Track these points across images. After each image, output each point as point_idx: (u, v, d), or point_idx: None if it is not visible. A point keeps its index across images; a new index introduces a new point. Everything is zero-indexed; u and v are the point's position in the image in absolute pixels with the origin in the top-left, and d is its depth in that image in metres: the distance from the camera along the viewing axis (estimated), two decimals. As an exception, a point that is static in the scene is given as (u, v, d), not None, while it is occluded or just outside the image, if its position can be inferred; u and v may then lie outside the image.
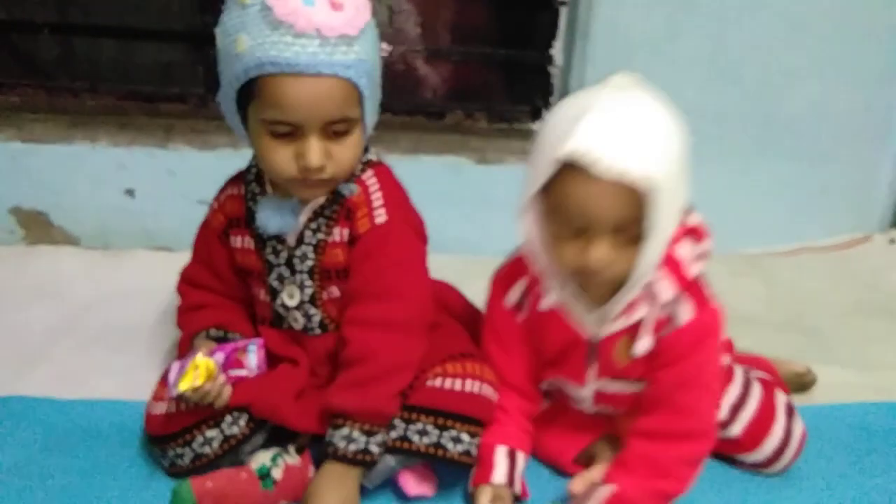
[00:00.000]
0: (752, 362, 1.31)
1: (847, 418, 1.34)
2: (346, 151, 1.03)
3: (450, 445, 1.09)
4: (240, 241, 1.17)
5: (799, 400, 1.32)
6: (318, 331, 1.17)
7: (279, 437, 1.17)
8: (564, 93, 1.85)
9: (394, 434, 1.09)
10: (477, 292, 1.38)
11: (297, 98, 0.97)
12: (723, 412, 1.16)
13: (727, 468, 1.21)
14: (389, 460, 1.11)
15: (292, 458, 1.12)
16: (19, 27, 1.84)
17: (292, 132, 1.00)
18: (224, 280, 1.21)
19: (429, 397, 1.11)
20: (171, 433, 1.14)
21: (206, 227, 1.21)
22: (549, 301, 1.08)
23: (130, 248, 1.80)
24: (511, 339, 1.15)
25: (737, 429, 1.16)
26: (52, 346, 1.47)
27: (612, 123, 0.91)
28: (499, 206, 1.82)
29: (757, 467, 1.19)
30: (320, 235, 1.11)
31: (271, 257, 1.15)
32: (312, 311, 1.16)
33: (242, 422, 1.13)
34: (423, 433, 1.09)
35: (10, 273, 1.69)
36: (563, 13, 1.82)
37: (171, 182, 1.77)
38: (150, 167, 1.76)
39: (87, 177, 1.76)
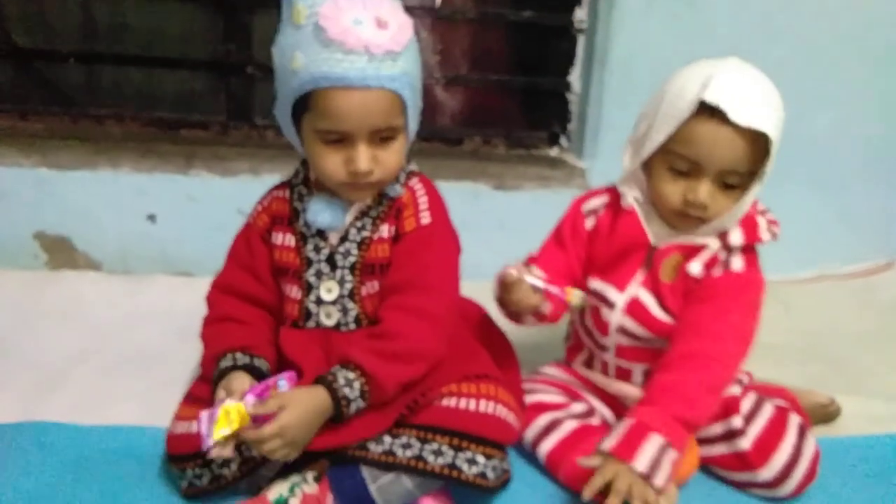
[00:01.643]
0: (773, 392, 1.30)
1: (873, 450, 1.32)
2: (391, 156, 1.12)
3: (465, 467, 1.09)
4: (281, 238, 1.21)
5: (823, 431, 1.31)
6: (352, 325, 1.20)
7: (299, 459, 1.17)
8: (582, 119, 1.86)
9: (409, 453, 1.10)
10: (495, 317, 1.38)
11: (347, 109, 1.06)
12: (735, 422, 1.18)
13: (738, 495, 1.20)
14: (407, 483, 1.11)
15: (310, 487, 1.12)
16: (45, 56, 1.88)
17: (342, 140, 1.09)
18: (262, 281, 1.23)
19: (444, 417, 1.12)
20: (191, 453, 1.15)
21: (248, 229, 1.25)
22: (630, 200, 1.20)
23: (151, 273, 1.82)
24: (571, 239, 1.26)
25: (746, 442, 1.17)
26: (73, 371, 1.48)
27: (744, 80, 1.09)
28: (517, 231, 1.83)
29: (766, 487, 1.18)
30: (365, 233, 1.18)
31: (312, 254, 1.19)
32: (350, 305, 1.19)
33: None
34: (438, 453, 1.09)
35: (33, 297, 1.71)
36: (581, 40, 1.83)
37: (192, 208, 1.79)
38: (171, 193, 1.78)
39: (110, 202, 1.78)
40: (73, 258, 1.82)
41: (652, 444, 1.05)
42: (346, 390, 1.09)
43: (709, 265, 1.17)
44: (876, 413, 1.40)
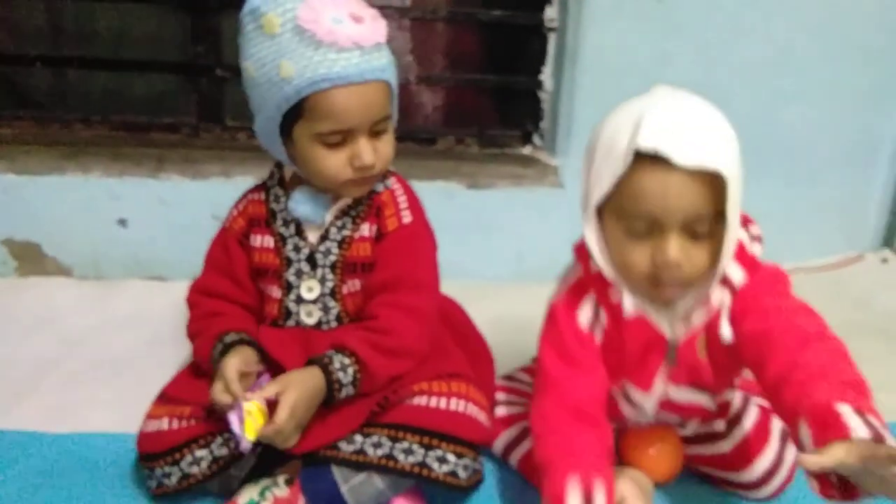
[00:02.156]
0: (751, 387, 1.30)
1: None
2: (386, 146, 1.14)
3: (435, 465, 1.10)
4: (259, 241, 1.21)
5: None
6: (334, 324, 1.21)
7: (269, 460, 1.17)
8: (554, 118, 1.87)
9: (380, 452, 1.10)
10: (472, 316, 1.38)
11: (350, 106, 1.08)
12: (719, 426, 1.17)
13: (715, 492, 1.21)
14: (378, 483, 1.11)
15: (281, 491, 1.12)
16: (12, 60, 1.86)
17: (344, 139, 1.10)
18: (241, 284, 1.23)
19: (414, 416, 1.12)
20: (161, 451, 1.15)
21: (224, 233, 1.24)
22: (629, 307, 1.04)
23: (123, 277, 1.80)
24: (588, 362, 1.09)
25: (727, 445, 1.16)
26: (43, 379, 1.46)
27: (680, 114, 0.94)
28: (491, 230, 1.84)
29: (746, 488, 1.18)
30: (346, 232, 1.18)
31: (292, 254, 1.19)
32: (332, 303, 1.20)
33: (233, 444, 1.14)
34: (408, 452, 1.10)
35: (2, 305, 1.69)
36: (552, 39, 1.83)
37: (164, 211, 1.77)
38: (142, 197, 1.76)
39: (80, 207, 1.76)
40: (43, 264, 1.80)
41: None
42: (341, 374, 1.10)
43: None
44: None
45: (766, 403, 1.23)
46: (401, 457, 1.10)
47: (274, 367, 1.17)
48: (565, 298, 1.11)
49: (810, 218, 1.91)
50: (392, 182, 1.21)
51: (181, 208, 1.76)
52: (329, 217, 1.18)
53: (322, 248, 1.18)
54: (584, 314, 1.10)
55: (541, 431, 1.09)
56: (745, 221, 1.06)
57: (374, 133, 1.12)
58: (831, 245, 1.94)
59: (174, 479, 1.14)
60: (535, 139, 1.94)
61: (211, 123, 1.89)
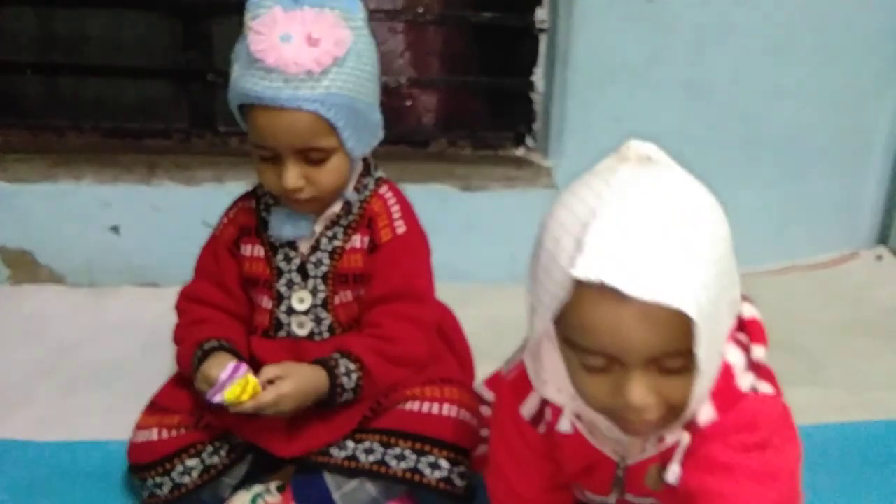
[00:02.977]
0: None
1: (836, 438, 1.33)
2: (325, 176, 1.09)
3: (427, 471, 1.09)
4: (249, 250, 1.20)
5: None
6: (326, 335, 1.19)
7: (261, 468, 1.17)
8: (547, 118, 1.86)
9: (372, 458, 1.10)
10: (464, 319, 1.38)
11: (266, 128, 1.05)
12: None
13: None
14: (371, 489, 1.11)
15: (273, 497, 1.12)
16: (2, 68, 1.85)
17: (275, 156, 1.07)
18: (231, 293, 1.22)
19: (406, 421, 1.12)
20: (152, 462, 1.14)
21: (214, 241, 1.23)
22: (565, 425, 0.91)
23: (116, 284, 1.79)
24: (528, 456, 0.98)
25: None
26: (36, 386, 1.46)
27: (636, 230, 0.72)
28: (484, 232, 1.84)
29: None
30: (337, 242, 1.16)
31: (282, 264, 1.18)
32: (324, 315, 1.18)
33: (224, 452, 1.15)
34: (400, 458, 1.09)
35: (-5, 313, 1.68)
36: (544, 40, 1.83)
37: (157, 218, 1.77)
38: (134, 203, 1.76)
39: (72, 215, 1.76)
40: (36, 272, 1.79)
41: None
42: (345, 379, 1.09)
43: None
44: (840, 402, 1.42)
45: None
46: (393, 463, 1.09)
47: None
48: (513, 380, 0.96)
49: (804, 216, 1.91)
50: (384, 190, 1.19)
51: (174, 215, 1.76)
52: (319, 227, 1.17)
53: (313, 258, 1.17)
54: (529, 406, 0.96)
55: None
56: (752, 334, 0.86)
57: (309, 159, 1.07)
58: (826, 243, 1.94)
59: (166, 489, 1.14)
60: (528, 141, 1.94)
61: (203, 129, 1.88)
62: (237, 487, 1.15)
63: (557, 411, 0.92)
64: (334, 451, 1.11)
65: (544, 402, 0.93)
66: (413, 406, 1.13)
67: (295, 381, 1.06)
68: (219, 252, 1.22)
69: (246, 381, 1.04)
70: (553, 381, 0.88)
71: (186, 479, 1.13)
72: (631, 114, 1.74)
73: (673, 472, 0.85)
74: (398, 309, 1.15)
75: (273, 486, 1.13)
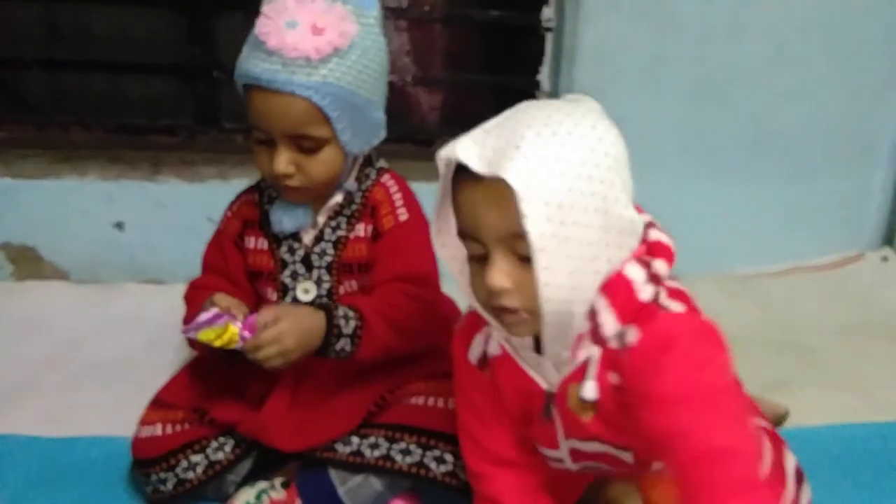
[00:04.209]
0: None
1: (842, 439, 1.32)
2: (316, 166, 1.09)
3: (433, 465, 1.09)
4: (253, 242, 1.21)
5: (793, 422, 1.31)
6: None
7: (266, 464, 1.17)
8: (553, 118, 1.86)
9: (377, 453, 1.10)
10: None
11: (261, 109, 1.07)
12: None
13: None
14: (376, 484, 1.11)
15: (278, 493, 1.11)
16: (7, 63, 1.85)
17: (269, 140, 1.08)
18: (238, 285, 1.22)
19: (412, 415, 1.11)
20: (156, 457, 1.14)
21: (219, 235, 1.24)
22: (493, 346, 0.94)
23: (120, 281, 1.79)
24: (484, 404, 0.99)
25: None
26: (40, 382, 1.46)
27: (506, 124, 0.82)
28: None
29: None
30: (340, 232, 1.17)
31: (286, 256, 1.18)
32: (322, 302, 1.18)
33: (228, 448, 1.15)
34: (406, 452, 1.09)
35: (-1, 308, 1.68)
36: (550, 39, 1.83)
37: (161, 214, 1.77)
38: (139, 200, 1.76)
39: (77, 211, 1.76)
40: (40, 268, 1.79)
41: None
42: (342, 321, 1.09)
43: (611, 365, 0.87)
44: (846, 403, 1.41)
45: (768, 425, 1.07)
46: (398, 457, 1.09)
47: (272, 373, 1.16)
48: (462, 328, 1.00)
49: (810, 216, 1.90)
50: (386, 178, 1.20)
51: (178, 211, 1.76)
52: (322, 218, 1.17)
53: (317, 249, 1.17)
54: (475, 350, 0.98)
55: (469, 481, 1.04)
56: (656, 252, 0.88)
57: (301, 147, 1.08)
58: (831, 244, 1.93)
59: (170, 485, 1.14)
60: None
61: (208, 126, 1.88)
62: (241, 483, 1.15)
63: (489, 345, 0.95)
64: (339, 447, 1.11)
65: (486, 342, 0.96)
66: (418, 400, 1.13)
67: (292, 319, 1.06)
68: (224, 245, 1.22)
69: (224, 329, 1.03)
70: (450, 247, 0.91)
71: (191, 475, 1.13)
72: (637, 113, 1.72)
73: (589, 388, 0.87)
74: (402, 287, 1.15)
75: (278, 482, 1.13)
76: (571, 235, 0.80)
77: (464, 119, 1.94)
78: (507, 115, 0.84)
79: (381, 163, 1.22)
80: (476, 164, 0.80)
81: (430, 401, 1.13)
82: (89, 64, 1.86)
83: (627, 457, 0.96)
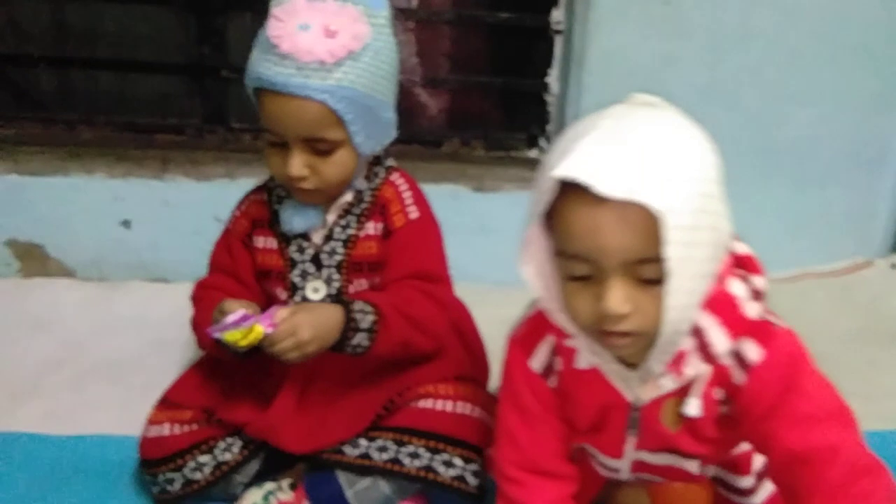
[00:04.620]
0: None
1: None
2: (330, 168, 1.09)
3: (441, 469, 1.09)
4: (262, 242, 1.20)
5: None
6: None
7: (274, 465, 1.16)
8: (561, 120, 1.85)
9: (385, 456, 1.09)
10: (476, 319, 1.37)
11: (275, 113, 1.06)
12: (748, 482, 1.06)
13: None
14: (384, 488, 1.11)
15: (285, 495, 1.11)
16: (16, 60, 1.85)
17: (283, 142, 1.08)
18: (246, 285, 1.22)
19: (420, 419, 1.11)
20: (163, 457, 1.14)
21: (227, 235, 1.23)
22: (585, 359, 0.92)
23: (126, 279, 1.79)
24: (540, 413, 0.98)
25: (758, 499, 1.07)
26: (45, 380, 1.46)
27: (619, 138, 0.78)
28: (496, 233, 1.83)
29: None
30: (350, 231, 1.16)
31: (296, 255, 1.17)
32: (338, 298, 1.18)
33: (236, 448, 1.15)
34: (414, 456, 1.09)
35: (5, 306, 1.68)
36: (559, 41, 1.82)
37: (168, 213, 1.76)
38: (146, 198, 1.76)
39: (84, 209, 1.76)
40: (47, 266, 1.79)
41: None
42: (359, 316, 1.08)
43: (721, 382, 0.89)
44: (854, 411, 1.40)
45: None
46: (406, 461, 1.09)
47: (280, 374, 1.16)
48: (522, 336, 0.99)
49: (818, 222, 1.89)
50: (396, 177, 1.19)
51: (185, 210, 1.76)
52: (331, 217, 1.17)
53: (327, 247, 1.17)
54: (539, 359, 0.98)
55: (499, 483, 1.02)
56: (748, 267, 0.90)
57: (315, 150, 1.08)
58: (840, 250, 1.93)
59: (177, 485, 1.14)
60: (542, 142, 1.93)
61: (215, 125, 1.88)
62: (249, 485, 1.15)
63: (569, 357, 0.93)
64: (347, 449, 1.11)
65: (554, 353, 0.96)
66: (427, 404, 1.12)
67: (308, 311, 1.06)
68: (232, 245, 1.22)
69: (250, 330, 1.03)
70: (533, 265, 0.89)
71: (198, 476, 1.13)
72: (646, 117, 1.73)
73: (693, 406, 0.88)
74: (415, 284, 1.15)
75: (285, 483, 1.13)
76: (694, 256, 0.78)
77: (471, 121, 1.96)
78: (609, 126, 0.80)
79: (390, 161, 1.21)
80: (605, 187, 0.75)
81: (439, 404, 1.12)
82: (97, 62, 1.86)
83: (693, 466, 0.97)
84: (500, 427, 1.01)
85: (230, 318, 1.04)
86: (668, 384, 0.89)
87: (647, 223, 0.76)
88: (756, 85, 1.76)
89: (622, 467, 1.00)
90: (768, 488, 1.06)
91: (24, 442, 1.29)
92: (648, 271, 0.79)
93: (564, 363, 0.95)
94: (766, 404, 0.87)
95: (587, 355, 0.91)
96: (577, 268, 0.82)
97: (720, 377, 0.88)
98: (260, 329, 1.03)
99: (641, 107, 0.83)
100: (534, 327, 0.98)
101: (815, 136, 1.82)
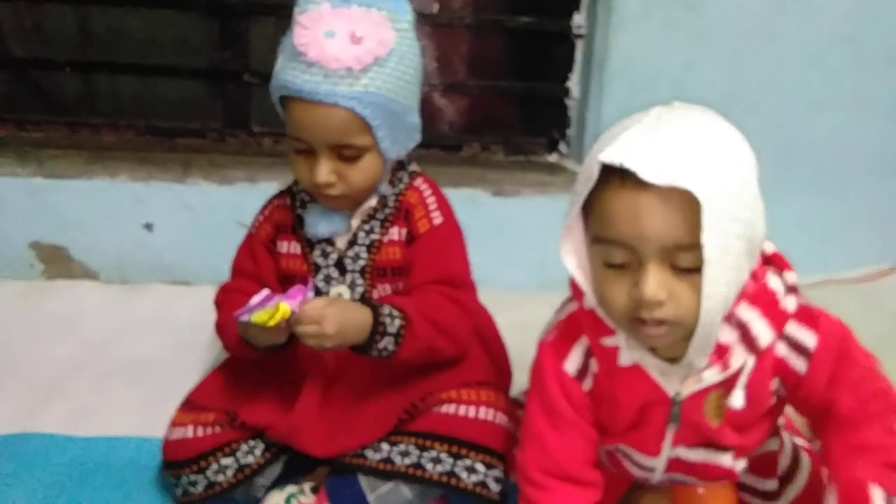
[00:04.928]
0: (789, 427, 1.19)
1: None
2: (356, 174, 1.10)
3: (464, 475, 1.08)
4: (286, 247, 1.21)
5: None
6: None
7: (295, 469, 1.17)
8: (581, 125, 1.85)
9: (407, 461, 1.09)
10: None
11: (302, 121, 1.07)
12: (772, 485, 1.07)
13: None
14: (406, 492, 1.10)
15: (307, 498, 1.11)
16: (41, 65, 1.87)
17: (309, 149, 1.08)
18: (270, 289, 1.20)
19: (442, 424, 1.11)
20: (186, 459, 1.15)
21: (251, 239, 1.24)
22: (627, 356, 0.93)
23: (148, 282, 1.80)
24: (572, 417, 0.98)
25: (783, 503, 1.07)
26: (68, 382, 1.47)
27: (663, 130, 0.82)
28: (515, 238, 1.83)
29: None
30: (374, 236, 1.17)
31: (319, 259, 1.18)
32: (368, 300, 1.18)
33: (258, 451, 1.15)
34: (436, 461, 1.09)
35: (28, 307, 1.70)
36: (580, 46, 1.82)
37: (189, 216, 1.78)
38: (168, 202, 1.77)
39: (106, 211, 1.77)
40: (70, 268, 1.81)
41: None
42: (387, 320, 1.09)
43: (778, 371, 0.93)
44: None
45: (805, 444, 1.14)
46: (429, 466, 1.08)
47: (302, 376, 1.16)
48: (554, 339, 0.99)
49: (842, 229, 1.87)
50: (419, 182, 1.20)
51: (206, 213, 1.77)
52: (356, 222, 1.17)
53: (351, 252, 1.17)
54: (573, 361, 0.98)
55: (521, 486, 1.02)
56: (780, 265, 0.94)
57: (342, 156, 1.08)
58: (864, 256, 1.91)
59: (200, 487, 1.14)
60: (562, 147, 1.92)
61: (237, 129, 1.89)
62: (271, 488, 1.16)
63: (606, 357, 0.94)
64: (369, 453, 1.11)
65: (588, 354, 0.97)
66: (449, 409, 1.12)
67: (339, 306, 1.06)
68: (256, 249, 1.22)
69: (276, 309, 1.03)
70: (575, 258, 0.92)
71: (221, 478, 1.13)
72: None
73: (738, 397, 0.91)
74: (440, 289, 1.16)
75: (307, 486, 1.13)
76: (731, 247, 0.81)
77: (491, 125, 1.96)
78: (653, 120, 0.84)
79: (413, 166, 1.22)
80: (649, 173, 0.78)
81: (462, 409, 1.12)
82: (121, 67, 1.88)
83: (727, 459, 0.99)
84: (527, 429, 1.01)
85: (255, 300, 1.04)
86: (712, 377, 0.91)
87: (687, 211, 0.79)
88: (778, 91, 1.75)
89: (658, 466, 1.01)
90: (791, 493, 1.07)
91: (46, 442, 1.30)
92: (685, 259, 0.81)
93: (601, 364, 0.96)
94: (826, 381, 0.93)
95: (627, 352, 0.93)
96: (615, 254, 0.84)
97: (778, 368, 0.93)
98: (286, 307, 1.03)
99: (682, 107, 0.88)
100: (566, 330, 0.99)
101: (838, 142, 1.80)
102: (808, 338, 0.92)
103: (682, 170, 0.78)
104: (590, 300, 0.91)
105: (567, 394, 0.98)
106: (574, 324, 0.97)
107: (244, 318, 1.04)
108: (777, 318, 0.91)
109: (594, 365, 0.97)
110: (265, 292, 1.05)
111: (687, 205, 0.79)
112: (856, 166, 1.83)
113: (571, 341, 0.98)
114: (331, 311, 1.04)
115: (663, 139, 0.81)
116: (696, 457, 0.99)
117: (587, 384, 0.98)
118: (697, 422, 0.95)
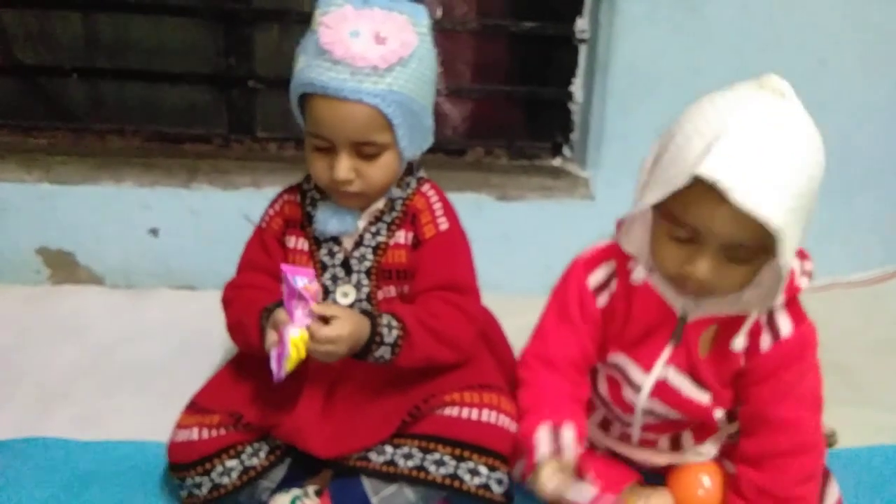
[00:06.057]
0: None
1: (879, 461, 1.30)
2: (375, 171, 1.12)
3: (467, 478, 1.09)
4: (293, 242, 1.22)
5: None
6: None
7: (300, 471, 1.17)
8: (585, 129, 1.85)
9: (410, 463, 1.09)
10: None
11: (326, 118, 1.09)
12: None
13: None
14: (409, 495, 1.10)
15: (311, 501, 1.12)
16: (48, 71, 1.88)
17: (329, 147, 1.10)
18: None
19: (446, 426, 1.11)
20: (191, 461, 1.15)
21: (260, 233, 1.25)
22: (641, 275, 1.07)
23: (154, 287, 1.81)
24: (578, 322, 1.12)
25: None
26: (75, 386, 1.47)
27: (756, 148, 0.89)
28: (520, 242, 1.83)
29: None
30: (380, 238, 1.18)
31: (326, 258, 1.19)
32: (368, 309, 1.19)
33: (263, 453, 1.16)
34: (440, 463, 1.09)
35: (35, 313, 1.71)
36: (583, 50, 1.82)
37: (195, 221, 1.78)
38: (174, 207, 1.78)
39: (112, 217, 1.78)
40: (76, 273, 1.82)
41: None
42: (385, 331, 1.11)
43: (753, 334, 1.05)
44: (882, 423, 1.39)
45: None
46: (432, 468, 1.09)
47: (302, 377, 1.17)
48: (587, 258, 1.14)
49: (847, 232, 1.87)
50: (427, 188, 1.22)
51: (212, 218, 1.77)
52: (362, 223, 1.18)
53: (356, 253, 1.18)
54: (597, 276, 1.12)
55: (520, 380, 1.15)
56: (801, 255, 1.06)
57: (364, 154, 1.11)
58: (869, 260, 1.90)
59: (205, 490, 1.15)
60: (566, 151, 1.93)
61: (242, 135, 1.90)
62: (275, 490, 1.16)
63: (625, 278, 1.08)
64: (373, 456, 1.11)
65: (612, 275, 1.11)
66: (453, 412, 1.12)
67: (349, 322, 1.07)
68: (267, 242, 1.23)
69: (294, 345, 1.04)
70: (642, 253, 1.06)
71: (226, 480, 1.14)
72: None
73: (740, 342, 1.03)
74: (444, 295, 1.17)
75: (311, 489, 1.13)
76: (794, 252, 0.94)
77: (495, 129, 1.96)
78: (744, 130, 0.91)
79: (421, 172, 1.23)
80: (738, 196, 0.87)
81: (465, 412, 1.12)
82: (127, 73, 1.89)
83: (705, 398, 1.10)
84: (537, 326, 1.17)
85: (274, 353, 1.06)
86: (718, 307, 1.04)
87: (758, 224, 0.89)
88: (782, 93, 1.74)
89: (646, 385, 1.10)
90: None
91: (52, 446, 1.31)
92: (741, 254, 0.94)
93: (620, 283, 1.10)
94: (768, 372, 1.05)
95: (643, 271, 1.06)
96: (681, 232, 0.96)
97: (753, 332, 1.04)
98: (303, 333, 1.05)
99: (771, 96, 0.96)
100: (599, 253, 1.13)
101: (842, 145, 1.80)
102: (786, 325, 1.05)
103: (767, 201, 0.87)
104: (631, 247, 1.06)
105: (582, 303, 1.12)
106: (606, 251, 1.12)
107: (282, 375, 1.05)
108: (789, 289, 1.02)
109: (614, 284, 1.11)
110: (274, 354, 1.06)
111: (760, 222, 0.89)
112: (860, 169, 1.82)
113: (600, 261, 1.12)
114: (346, 332, 1.06)
115: (754, 160, 0.89)
116: (680, 384, 1.09)
117: (602, 300, 1.12)
118: (691, 346, 1.07)
